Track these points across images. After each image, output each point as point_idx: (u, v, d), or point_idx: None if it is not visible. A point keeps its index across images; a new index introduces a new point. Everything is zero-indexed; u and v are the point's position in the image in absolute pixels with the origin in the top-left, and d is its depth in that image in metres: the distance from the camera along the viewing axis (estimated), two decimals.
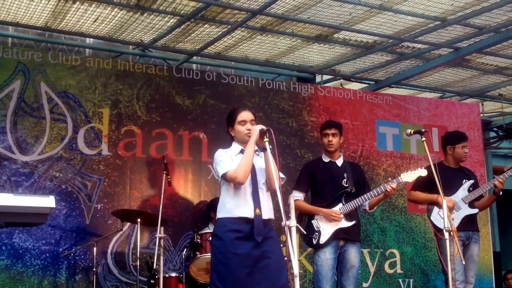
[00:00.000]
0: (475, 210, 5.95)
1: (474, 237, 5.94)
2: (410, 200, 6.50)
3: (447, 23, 6.37)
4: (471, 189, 5.95)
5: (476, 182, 6.13)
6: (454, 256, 5.08)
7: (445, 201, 4.96)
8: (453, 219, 5.56)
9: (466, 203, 5.90)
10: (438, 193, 5.41)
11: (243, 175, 4.28)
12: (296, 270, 3.68)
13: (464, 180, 5.99)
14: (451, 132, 6.44)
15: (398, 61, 7.52)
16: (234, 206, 4.33)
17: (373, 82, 8.25)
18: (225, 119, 4.59)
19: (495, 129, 9.84)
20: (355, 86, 8.32)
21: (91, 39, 7.06)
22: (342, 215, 5.37)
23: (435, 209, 5.83)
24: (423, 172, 5.45)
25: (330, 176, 5.51)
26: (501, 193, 5.95)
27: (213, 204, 6.37)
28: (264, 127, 4.26)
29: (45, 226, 6.06)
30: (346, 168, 5.57)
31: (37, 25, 6.41)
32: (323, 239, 5.36)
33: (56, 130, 6.36)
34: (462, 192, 5.92)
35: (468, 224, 5.88)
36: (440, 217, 5.64)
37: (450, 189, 5.73)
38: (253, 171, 4.37)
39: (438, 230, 5.55)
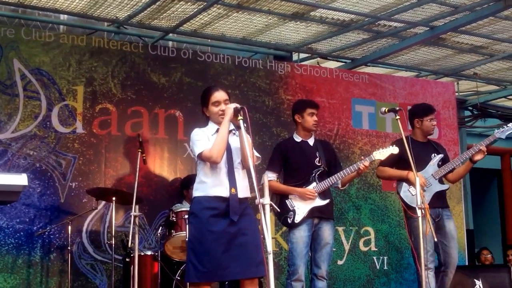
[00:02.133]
0: (446, 186, 5.86)
1: (445, 213, 5.82)
2: (379, 177, 6.35)
3: (423, 1, 6.39)
4: (440, 163, 5.83)
5: (446, 156, 5.98)
6: (426, 234, 5.14)
7: (418, 178, 4.97)
8: (423, 196, 5.55)
9: (436, 179, 5.77)
10: (407, 169, 5.45)
11: (218, 154, 4.29)
12: (270, 247, 3.71)
13: (433, 155, 5.85)
14: (418, 105, 6.24)
15: (374, 40, 7.53)
16: (210, 185, 4.34)
17: (350, 61, 8.26)
18: (202, 93, 4.57)
19: (470, 108, 9.91)
20: (332, 64, 8.33)
21: (65, 16, 6.95)
22: (316, 194, 5.40)
23: (405, 185, 5.75)
24: (394, 150, 5.47)
25: (302, 156, 5.53)
26: (476, 161, 5.76)
27: (185, 182, 6.38)
28: (238, 105, 4.26)
29: (19, 205, 6.01)
30: (318, 147, 5.59)
31: (10, 1, 6.31)
32: (298, 218, 5.40)
33: (29, 107, 6.29)
34: (432, 167, 5.80)
35: (438, 201, 5.76)
36: (410, 194, 5.67)
37: (419, 165, 5.53)
38: (228, 150, 4.38)
39: (409, 208, 5.58)
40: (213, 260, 4.21)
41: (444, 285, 5.78)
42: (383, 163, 5.80)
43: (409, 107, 6.43)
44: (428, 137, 6.03)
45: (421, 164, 5.69)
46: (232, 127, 4.39)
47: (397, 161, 5.70)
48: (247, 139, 4.16)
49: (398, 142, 5.52)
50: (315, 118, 5.60)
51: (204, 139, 4.38)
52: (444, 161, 5.87)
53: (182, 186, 6.49)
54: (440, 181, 5.84)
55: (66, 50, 6.51)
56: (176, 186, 6.72)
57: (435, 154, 5.87)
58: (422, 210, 4.91)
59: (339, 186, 5.59)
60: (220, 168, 4.35)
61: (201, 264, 4.23)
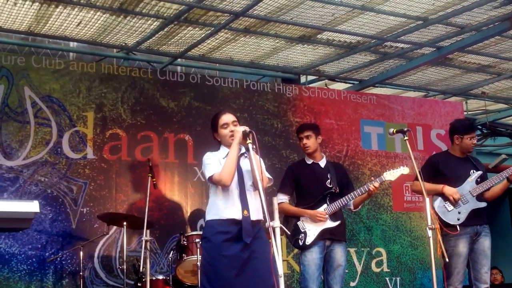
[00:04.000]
0: (483, 204, 5.61)
1: (483, 231, 5.60)
2: (413, 191, 6.09)
3: (428, 22, 6.42)
4: (479, 180, 5.58)
5: (484, 173, 5.77)
6: (438, 254, 5.09)
7: (427, 198, 4.90)
8: (459, 213, 5.44)
9: (473, 196, 5.52)
10: (443, 183, 5.40)
11: (227, 177, 4.31)
12: (280, 270, 3.70)
13: (472, 171, 5.62)
14: (460, 121, 6.00)
15: (381, 61, 7.57)
16: (222, 208, 4.35)
17: (357, 82, 8.30)
18: (210, 121, 4.62)
19: (479, 127, 9.89)
20: (340, 86, 8.36)
21: (75, 43, 7.04)
22: (327, 216, 5.40)
23: (440, 200, 5.57)
24: (405, 170, 5.45)
25: (313, 178, 5.53)
26: None
27: None
28: (247, 128, 4.28)
29: (31, 231, 6.05)
30: (329, 169, 5.59)
31: (20, 29, 6.40)
32: (309, 240, 5.38)
33: (40, 134, 6.35)
34: (470, 184, 5.56)
35: (476, 218, 5.52)
36: (446, 210, 5.50)
37: (457, 181, 5.45)
38: (240, 173, 4.39)
39: (445, 225, 5.46)
40: (225, 285, 4.21)
41: None
42: (417, 177, 5.75)
43: (418, 127, 6.38)
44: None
45: (459, 180, 5.58)
46: (243, 150, 4.41)
47: (434, 176, 5.62)
48: (257, 162, 4.17)
49: (438, 155, 5.48)
50: (304, 141, 5.56)
51: (215, 162, 4.41)
52: (482, 179, 5.67)
53: None
54: (479, 199, 5.61)
55: (76, 77, 6.59)
56: (194, 213, 6.73)
57: (474, 171, 5.67)
58: (458, 227, 5.03)
59: (352, 207, 5.57)
60: (232, 191, 4.37)
61: None
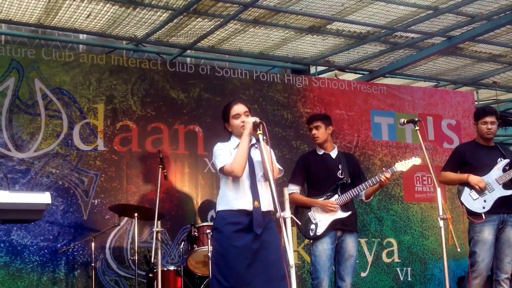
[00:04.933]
0: (510, 192, 5.58)
1: (509, 220, 5.57)
2: (441, 182, 5.95)
3: (439, 11, 6.38)
4: (507, 168, 5.58)
5: None
6: (449, 244, 5.08)
7: (439, 188, 4.89)
8: (485, 201, 5.47)
9: (500, 184, 5.52)
10: (470, 172, 5.40)
11: (239, 168, 4.32)
12: (292, 260, 3.71)
13: (499, 159, 5.63)
14: (477, 108, 6.05)
15: (391, 51, 7.54)
16: (233, 198, 4.36)
17: (367, 72, 8.27)
18: (220, 112, 4.64)
19: None
20: (350, 76, 8.34)
21: (84, 35, 7.05)
22: (338, 206, 5.39)
23: (466, 190, 5.59)
24: (417, 161, 5.44)
25: (325, 168, 5.52)
26: None
27: None
28: (257, 119, 4.29)
29: (42, 223, 6.08)
30: (341, 159, 5.58)
31: (30, 22, 6.41)
32: (320, 231, 5.39)
33: (51, 126, 6.37)
34: (497, 172, 5.57)
35: (502, 206, 5.51)
36: (471, 199, 5.53)
37: (483, 169, 5.47)
38: (251, 163, 4.40)
39: (470, 213, 5.51)
40: (236, 275, 4.23)
41: None
42: (446, 167, 5.78)
43: (429, 117, 6.35)
44: (494, 141, 5.87)
45: (485, 169, 5.59)
46: (254, 140, 4.42)
47: (461, 166, 5.63)
48: (268, 152, 4.17)
49: (465, 145, 5.49)
50: (313, 131, 5.58)
51: (226, 153, 4.42)
52: (511, 167, 5.65)
53: None
54: (506, 187, 5.60)
55: (86, 69, 6.60)
56: (203, 204, 6.75)
57: (502, 159, 5.67)
58: (483, 215, 5.07)
59: (363, 198, 5.57)
60: (243, 182, 4.37)
61: (225, 279, 4.25)
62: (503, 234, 5.61)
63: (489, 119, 5.75)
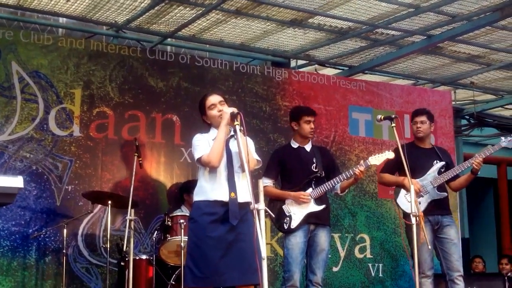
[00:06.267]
0: (444, 194, 5.77)
1: (445, 220, 5.76)
2: (380, 183, 6.35)
3: (420, 10, 6.41)
4: (442, 170, 5.77)
5: (450, 162, 5.93)
6: (421, 242, 5.14)
7: (412, 185, 4.96)
8: (420, 203, 5.53)
9: (434, 186, 5.71)
10: (406, 175, 5.46)
11: (216, 158, 4.32)
12: (264, 252, 3.71)
13: (435, 161, 5.81)
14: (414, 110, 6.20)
15: (371, 48, 7.55)
16: (209, 189, 4.37)
17: (347, 68, 8.29)
18: (198, 102, 4.61)
19: (466, 117, 9.93)
20: (329, 71, 8.35)
21: (64, 19, 6.97)
22: (310, 197, 5.40)
23: (402, 192, 5.75)
24: (390, 155, 5.48)
25: (299, 162, 5.54)
26: (478, 173, 5.70)
27: (186, 186, 6.39)
28: (235, 110, 4.28)
29: (14, 207, 6.01)
30: (315, 153, 5.61)
31: (9, 3, 6.32)
32: (294, 224, 5.40)
33: (27, 110, 6.29)
34: (432, 174, 5.76)
35: (437, 208, 5.71)
36: (406, 201, 5.65)
37: (419, 171, 5.60)
38: (228, 155, 4.41)
39: (405, 215, 5.59)
40: (210, 266, 4.23)
41: None
42: (384, 169, 5.84)
43: (406, 115, 6.42)
44: (433, 143, 6.01)
45: (421, 171, 5.71)
46: (232, 132, 4.41)
47: (398, 168, 5.70)
48: (244, 144, 4.17)
49: (397, 149, 5.53)
50: (311, 125, 5.61)
51: (204, 144, 4.41)
52: (447, 169, 5.81)
53: (182, 190, 6.50)
54: (440, 189, 5.77)
55: (64, 53, 6.52)
56: (173, 191, 6.73)
57: (437, 161, 5.83)
58: (417, 218, 4.90)
59: (338, 191, 5.60)
60: (220, 173, 4.38)
61: (198, 269, 4.25)
62: (444, 235, 5.74)
63: (419, 118, 5.90)
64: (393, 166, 5.73)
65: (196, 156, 4.41)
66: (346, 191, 5.72)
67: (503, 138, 5.82)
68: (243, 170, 4.35)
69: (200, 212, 4.34)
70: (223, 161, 4.38)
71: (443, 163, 5.83)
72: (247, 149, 4.15)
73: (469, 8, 6.42)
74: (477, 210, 12.27)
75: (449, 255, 5.74)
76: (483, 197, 12.69)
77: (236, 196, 4.32)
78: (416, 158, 5.45)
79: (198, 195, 4.43)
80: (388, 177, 5.91)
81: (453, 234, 5.79)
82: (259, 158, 4.52)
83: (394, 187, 6.00)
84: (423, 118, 5.91)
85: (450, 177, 5.78)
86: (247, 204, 4.33)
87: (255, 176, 4.73)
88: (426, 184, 5.73)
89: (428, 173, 5.78)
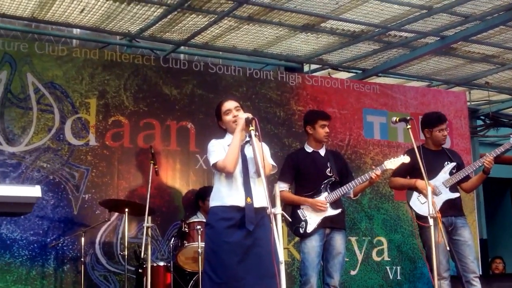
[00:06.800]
0: (457, 194, 5.76)
1: (458, 222, 5.73)
2: (391, 187, 6.35)
3: (433, 11, 6.39)
4: (453, 171, 5.75)
5: (461, 163, 5.90)
6: (439, 243, 5.11)
7: (429, 187, 4.95)
8: None
9: (447, 187, 5.70)
10: (419, 178, 5.44)
11: (231, 164, 4.34)
12: (281, 256, 3.71)
13: (446, 163, 5.79)
14: (428, 114, 6.12)
15: (385, 50, 7.54)
16: (226, 194, 4.38)
17: (361, 71, 8.28)
18: (213, 108, 4.69)
19: (482, 117, 9.87)
20: (343, 75, 8.35)
21: (78, 30, 7.03)
22: (327, 205, 5.40)
23: (415, 194, 5.73)
24: (406, 159, 5.47)
25: (314, 166, 5.54)
26: (490, 172, 5.68)
27: (201, 193, 6.40)
28: (249, 115, 4.30)
29: (32, 217, 6.06)
30: (329, 157, 5.61)
31: (23, 15, 6.39)
32: (309, 228, 5.41)
33: (43, 121, 6.35)
34: (443, 175, 5.74)
35: (450, 209, 5.67)
36: (419, 203, 5.64)
37: (431, 173, 5.54)
38: (244, 160, 4.42)
39: (419, 217, 5.57)
40: (228, 271, 4.24)
41: None
42: (395, 173, 5.81)
43: (421, 117, 6.39)
44: (449, 144, 5.99)
45: (433, 173, 5.67)
46: (247, 138, 4.42)
47: (410, 171, 5.70)
48: (259, 149, 4.18)
49: (410, 152, 5.52)
50: (326, 129, 5.61)
51: (219, 149, 4.44)
52: (458, 169, 5.79)
53: (197, 197, 6.52)
54: (452, 190, 5.75)
55: (79, 64, 6.58)
56: (189, 197, 6.75)
57: (448, 162, 5.82)
58: (434, 219, 4.87)
59: (351, 195, 5.59)
60: (236, 178, 4.39)
61: (216, 274, 4.26)
62: (459, 237, 5.70)
63: (444, 126, 5.87)
64: (405, 170, 5.71)
65: (212, 161, 4.43)
66: (359, 195, 5.72)
67: None
68: (259, 176, 4.36)
69: (217, 218, 4.36)
70: (238, 167, 4.39)
71: (454, 164, 5.82)
72: (262, 154, 4.16)
73: (482, 8, 6.39)
74: (495, 210, 12.19)
75: (464, 257, 5.69)
76: (501, 197, 12.60)
77: (252, 201, 4.33)
78: (427, 160, 5.42)
79: (214, 201, 4.45)
80: (399, 180, 5.89)
81: (467, 235, 5.75)
82: (274, 164, 4.53)
83: (406, 190, 5.95)
84: (446, 125, 5.90)
85: (462, 177, 5.76)
86: (263, 209, 4.33)
87: (271, 181, 4.75)
88: (439, 185, 5.71)
89: (439, 174, 5.77)
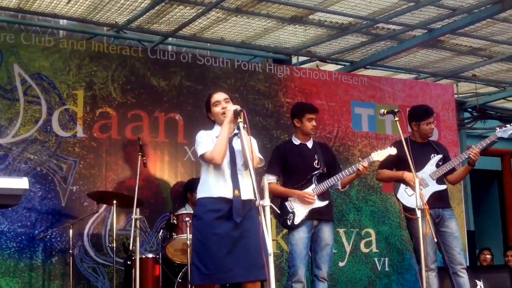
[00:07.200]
0: (443, 186, 5.79)
1: (445, 213, 5.76)
2: (378, 179, 6.37)
3: (420, 4, 6.41)
4: (440, 164, 5.78)
5: (447, 156, 5.94)
6: (426, 234, 5.14)
7: (417, 179, 4.97)
8: None
9: (433, 179, 5.72)
10: (406, 170, 5.46)
11: (219, 155, 4.34)
12: (270, 248, 3.72)
13: (433, 155, 5.82)
14: (415, 107, 6.13)
15: (373, 43, 7.56)
16: (213, 186, 4.38)
17: (349, 64, 8.29)
18: (201, 100, 4.71)
19: (469, 109, 9.93)
20: (331, 67, 8.35)
21: (65, 21, 6.98)
22: (315, 196, 5.42)
23: (402, 186, 5.75)
24: (393, 151, 5.48)
25: (301, 158, 5.55)
26: (475, 164, 5.71)
27: (190, 185, 6.39)
28: (238, 107, 4.30)
29: (20, 209, 6.03)
30: (317, 149, 5.62)
31: (9, 6, 6.34)
32: (297, 220, 5.42)
33: (30, 112, 6.31)
34: (430, 167, 5.76)
35: (437, 201, 5.69)
36: (407, 195, 5.67)
37: (417, 165, 5.50)
38: (232, 152, 4.42)
39: (406, 209, 5.61)
40: (216, 263, 4.24)
41: (461, 285, 5.68)
42: (382, 165, 5.83)
43: (408, 109, 6.42)
44: (436, 137, 6.01)
45: (419, 165, 5.67)
46: (236, 130, 4.42)
47: (396, 163, 5.73)
48: (248, 141, 4.18)
49: (397, 144, 5.54)
50: (313, 123, 5.61)
51: (207, 141, 4.43)
52: (444, 162, 5.83)
53: (186, 189, 6.50)
54: (439, 182, 5.78)
55: (66, 55, 6.54)
56: (177, 189, 6.74)
57: (435, 155, 5.85)
58: (421, 211, 4.90)
59: (339, 187, 5.61)
60: (224, 170, 4.39)
61: (204, 266, 4.27)
62: (445, 228, 5.73)
63: (431, 119, 5.91)
64: (392, 162, 5.72)
65: (200, 152, 4.42)
66: (347, 186, 5.74)
67: (497, 128, 5.84)
68: (246, 168, 4.37)
69: (205, 209, 4.36)
70: (226, 159, 4.39)
71: (440, 156, 5.85)
72: (251, 146, 4.17)
73: (469, 1, 6.43)
74: (482, 202, 12.28)
75: (451, 248, 5.73)
76: (488, 189, 12.70)
77: (239, 193, 4.34)
78: (414, 152, 5.44)
79: (201, 192, 4.44)
80: (386, 172, 5.91)
81: (454, 227, 5.78)
82: (261, 157, 4.53)
83: (393, 182, 5.98)
84: (433, 118, 5.94)
85: (449, 169, 5.79)
86: (250, 201, 4.36)
87: (258, 174, 4.75)
88: (426, 177, 5.74)
89: (426, 166, 5.79)
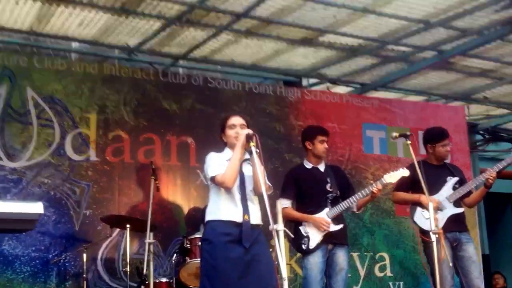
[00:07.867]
0: (461, 209, 5.70)
1: (463, 237, 5.66)
2: (394, 201, 6.26)
3: (430, 25, 6.42)
4: (456, 186, 5.70)
5: (463, 178, 5.85)
6: (442, 259, 5.08)
7: (431, 202, 4.93)
8: (437, 221, 5.45)
9: (451, 202, 5.65)
10: (421, 192, 5.41)
11: (230, 179, 4.33)
12: (284, 273, 3.70)
13: (449, 178, 5.73)
14: (430, 130, 6.04)
15: (383, 64, 7.57)
16: (223, 209, 4.37)
17: (359, 86, 8.29)
18: (213, 123, 4.69)
19: (481, 132, 9.87)
20: (342, 89, 8.36)
21: (77, 43, 7.02)
22: (330, 224, 5.36)
23: (418, 209, 5.66)
24: (405, 172, 5.43)
25: (314, 182, 5.50)
26: (491, 186, 5.61)
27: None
28: (250, 131, 4.30)
29: (34, 233, 6.01)
30: (329, 173, 5.57)
31: (22, 29, 6.38)
32: (312, 244, 5.37)
33: (43, 136, 6.34)
34: (447, 190, 5.68)
35: (454, 224, 5.62)
36: (424, 218, 5.59)
37: (433, 188, 5.48)
38: (242, 177, 4.42)
39: (423, 232, 5.55)
40: (228, 287, 4.21)
41: None
42: (397, 187, 5.78)
43: (420, 131, 6.38)
44: (449, 159, 5.95)
45: (435, 188, 5.62)
46: (246, 156, 4.41)
47: (412, 185, 5.67)
48: (260, 166, 4.18)
49: (411, 166, 5.50)
50: (325, 145, 5.58)
51: (218, 163, 4.42)
52: (461, 184, 5.74)
53: (204, 213, 6.46)
54: (456, 205, 5.70)
55: (78, 78, 6.58)
56: (191, 214, 6.69)
57: (451, 177, 5.76)
58: (437, 235, 4.85)
59: (355, 209, 5.56)
60: (234, 194, 4.39)
61: None
62: (463, 252, 5.64)
63: (447, 141, 5.84)
64: (407, 184, 5.67)
65: (210, 174, 4.40)
66: (363, 208, 5.70)
67: None
68: (255, 193, 4.40)
69: (215, 233, 4.33)
70: (236, 183, 4.38)
71: (457, 178, 5.77)
72: (263, 170, 4.17)
73: (479, 22, 6.42)
74: (496, 226, 12.15)
75: (469, 273, 5.62)
76: (502, 212, 12.58)
77: (249, 218, 4.33)
78: (430, 175, 5.40)
79: (211, 214, 4.43)
80: (402, 195, 5.84)
81: (472, 251, 5.69)
82: (270, 184, 4.50)
83: (409, 205, 5.94)
84: (448, 140, 5.87)
85: (466, 191, 5.71)
86: (258, 226, 4.37)
87: (271, 197, 4.73)
88: (443, 200, 5.66)
89: (443, 189, 5.72)
